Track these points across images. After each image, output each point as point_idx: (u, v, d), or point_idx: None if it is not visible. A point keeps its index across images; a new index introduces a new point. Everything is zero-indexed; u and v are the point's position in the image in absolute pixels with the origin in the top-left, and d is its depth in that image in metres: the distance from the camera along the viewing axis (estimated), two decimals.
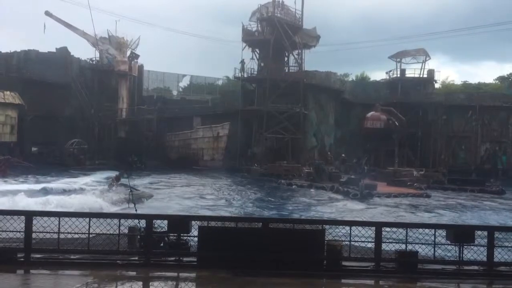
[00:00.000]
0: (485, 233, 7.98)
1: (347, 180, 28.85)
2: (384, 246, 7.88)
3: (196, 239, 7.74)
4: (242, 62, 45.26)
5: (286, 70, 46.43)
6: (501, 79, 64.73)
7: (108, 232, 7.74)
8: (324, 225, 7.87)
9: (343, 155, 35.65)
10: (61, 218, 7.67)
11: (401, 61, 50.38)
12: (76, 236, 7.80)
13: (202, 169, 41.66)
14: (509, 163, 46.79)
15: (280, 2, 44.65)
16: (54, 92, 45.11)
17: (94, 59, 51.03)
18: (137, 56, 51.96)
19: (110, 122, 48.15)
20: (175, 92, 64.59)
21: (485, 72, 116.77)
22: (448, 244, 8.04)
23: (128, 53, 51.00)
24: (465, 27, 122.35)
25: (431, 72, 49.60)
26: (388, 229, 8.12)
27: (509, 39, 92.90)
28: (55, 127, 45.17)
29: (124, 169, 27.28)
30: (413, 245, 7.91)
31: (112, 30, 50.37)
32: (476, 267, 7.99)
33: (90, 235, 7.66)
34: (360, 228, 7.82)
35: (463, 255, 7.88)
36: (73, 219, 7.85)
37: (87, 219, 7.73)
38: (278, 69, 44.48)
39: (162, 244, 8.17)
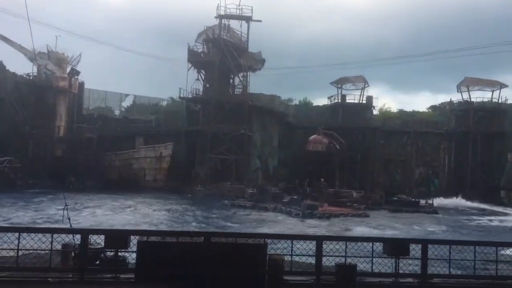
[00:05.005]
0: (420, 246, 8.30)
1: (290, 200, 29.21)
2: (325, 260, 7.97)
3: (134, 254, 7.45)
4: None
5: (231, 92, 46.79)
6: (433, 108, 68.75)
7: (39, 249, 7.29)
8: (266, 239, 7.85)
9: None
10: None
11: (342, 87, 52.38)
12: (4, 252, 7.27)
13: (143, 190, 40.51)
14: (440, 186, 49.43)
15: (227, 24, 45.31)
16: None
17: (31, 74, 48.91)
18: (77, 73, 50.34)
19: (47, 140, 45.97)
20: (117, 112, 62.92)
21: (420, 102, 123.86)
22: (385, 257, 8.27)
23: (69, 69, 49.34)
24: (403, 55, 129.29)
25: (369, 99, 51.86)
26: (329, 242, 8.24)
27: (441, 70, 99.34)
28: None
29: (61, 190, 26.05)
30: (352, 258, 8.06)
31: (52, 45, 48.73)
32: (411, 279, 8.26)
33: (20, 252, 7.17)
34: (301, 242, 7.89)
35: (399, 268, 8.13)
36: (1, 234, 7.34)
37: (16, 234, 7.25)
38: (223, 91, 44.75)
39: (98, 261, 7.79)
